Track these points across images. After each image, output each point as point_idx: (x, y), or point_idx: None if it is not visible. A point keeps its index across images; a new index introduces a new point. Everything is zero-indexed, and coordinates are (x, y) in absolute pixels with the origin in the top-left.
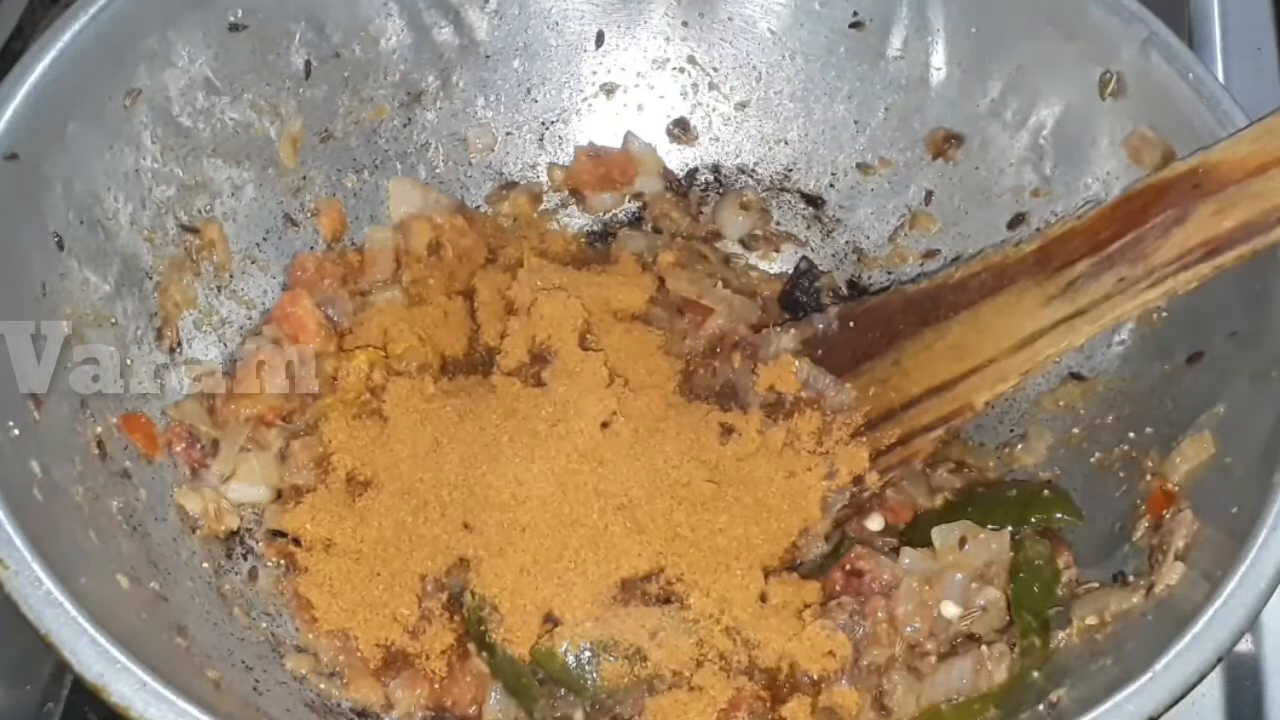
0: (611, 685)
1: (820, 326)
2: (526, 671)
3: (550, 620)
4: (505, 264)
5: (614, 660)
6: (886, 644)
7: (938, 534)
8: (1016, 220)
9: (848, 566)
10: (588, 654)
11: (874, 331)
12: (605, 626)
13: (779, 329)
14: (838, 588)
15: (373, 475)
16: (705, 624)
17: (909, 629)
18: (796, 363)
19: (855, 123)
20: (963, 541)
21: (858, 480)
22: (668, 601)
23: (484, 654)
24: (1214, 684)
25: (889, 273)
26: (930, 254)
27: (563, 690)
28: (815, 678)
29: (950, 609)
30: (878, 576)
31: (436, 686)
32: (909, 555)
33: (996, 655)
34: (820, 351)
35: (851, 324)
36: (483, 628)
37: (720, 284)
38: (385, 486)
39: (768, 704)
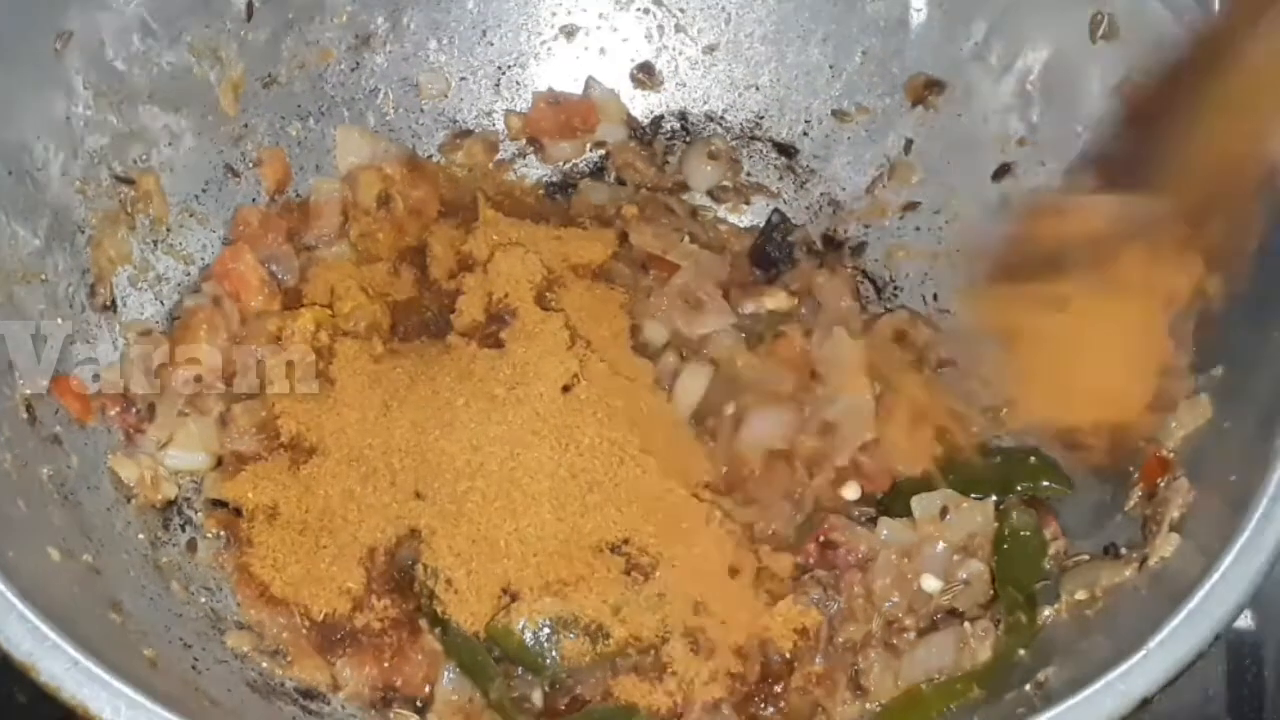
0: (572, 664)
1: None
2: (482, 649)
3: (507, 595)
4: (459, 217)
5: (574, 637)
6: (863, 620)
7: (918, 503)
8: (1002, 171)
9: (821, 538)
10: (546, 631)
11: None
12: (565, 602)
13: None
14: (811, 560)
15: (318, 441)
16: (671, 598)
17: (887, 604)
18: None
19: (830, 67)
20: (944, 511)
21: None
22: (631, 575)
23: (437, 631)
24: (1213, 662)
25: (866, 226)
26: (911, 206)
27: (520, 669)
28: (788, 656)
29: (931, 583)
30: (854, 548)
31: (386, 665)
32: (887, 526)
33: (980, 632)
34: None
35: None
36: (435, 603)
37: (687, 238)
38: (331, 453)
39: (737, 682)
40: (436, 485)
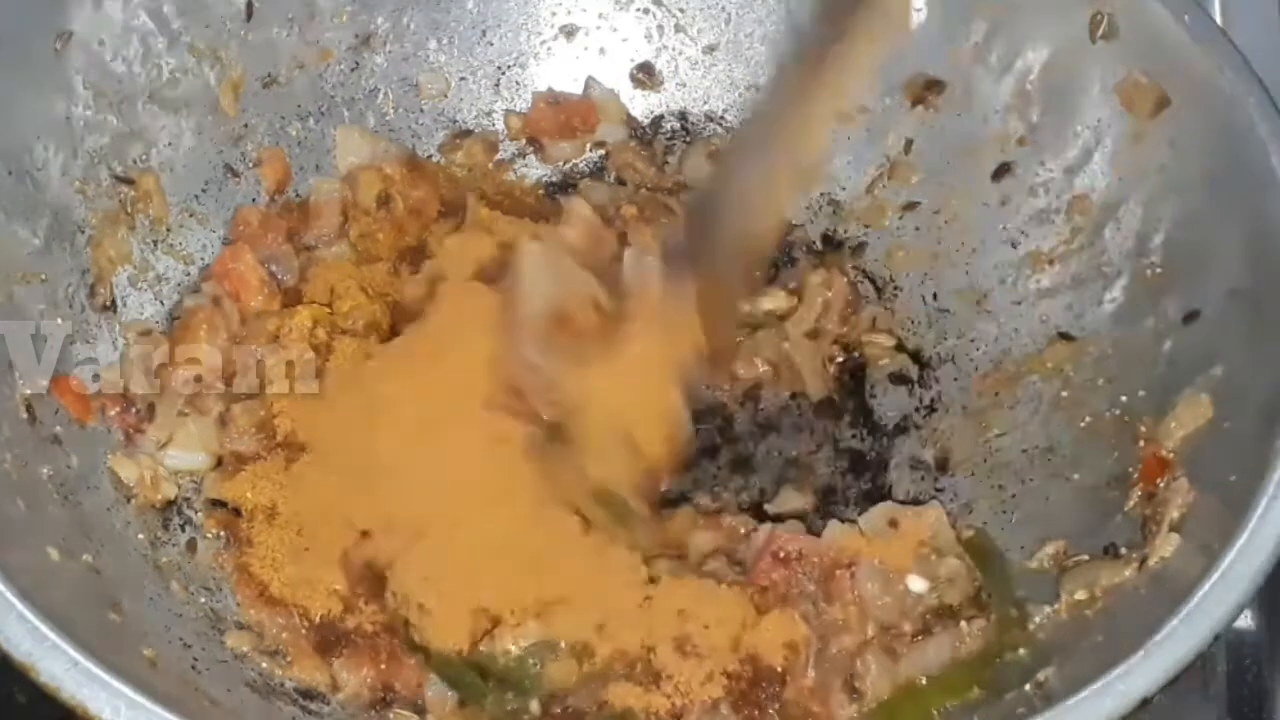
0: (559, 685)
1: None
2: (467, 671)
3: (485, 615)
4: (459, 217)
5: (557, 659)
6: (857, 630)
7: (865, 520)
8: (1001, 170)
9: (775, 552)
10: (531, 656)
11: None
12: (548, 625)
13: None
14: (768, 574)
15: (307, 439)
16: (655, 608)
17: (877, 606)
18: None
19: None
20: (893, 523)
21: None
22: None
23: (418, 656)
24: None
25: (867, 226)
26: (911, 206)
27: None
28: (779, 669)
29: (917, 584)
30: (808, 557)
31: (383, 668)
32: (833, 529)
33: (976, 631)
34: None
35: None
36: (411, 629)
37: None
38: (316, 451)
39: (734, 681)
40: (414, 492)
